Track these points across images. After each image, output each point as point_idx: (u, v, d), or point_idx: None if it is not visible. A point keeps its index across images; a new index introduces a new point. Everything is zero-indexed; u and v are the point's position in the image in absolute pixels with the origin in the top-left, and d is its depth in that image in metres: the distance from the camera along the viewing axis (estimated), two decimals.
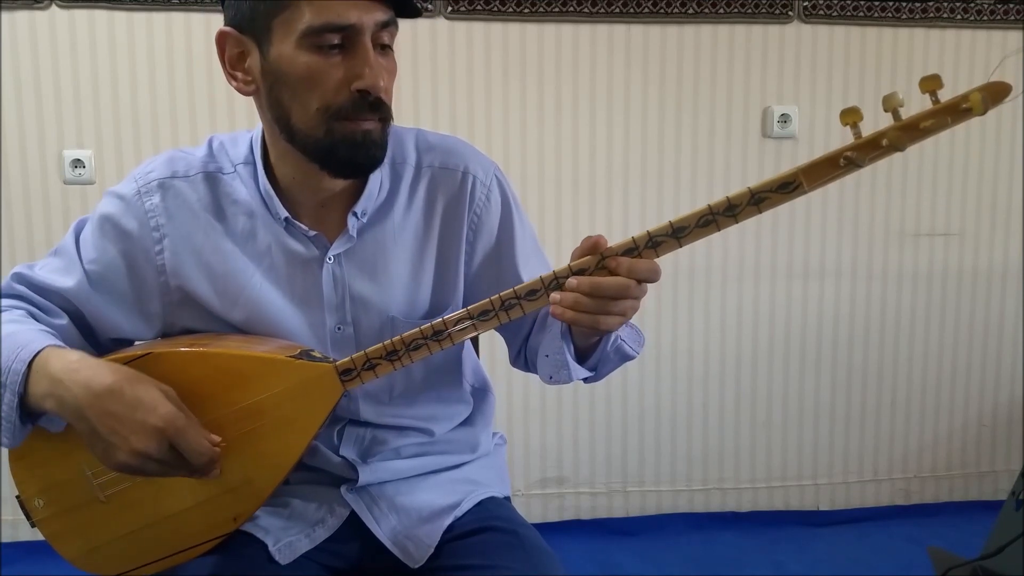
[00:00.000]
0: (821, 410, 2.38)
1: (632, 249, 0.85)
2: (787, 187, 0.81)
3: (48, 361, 0.87)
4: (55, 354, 0.88)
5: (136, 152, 2.06)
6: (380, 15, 0.90)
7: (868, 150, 0.79)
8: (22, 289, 0.99)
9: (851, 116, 0.79)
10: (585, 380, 1.02)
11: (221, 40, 0.94)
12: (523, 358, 1.11)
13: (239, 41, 0.93)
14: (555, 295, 0.86)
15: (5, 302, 0.98)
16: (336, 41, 0.88)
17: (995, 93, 0.75)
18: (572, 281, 0.85)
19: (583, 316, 0.85)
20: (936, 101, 0.77)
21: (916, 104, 0.78)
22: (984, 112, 0.75)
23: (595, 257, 0.85)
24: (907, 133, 0.78)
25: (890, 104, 0.77)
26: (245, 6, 0.91)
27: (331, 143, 0.91)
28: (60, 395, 0.86)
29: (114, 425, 0.84)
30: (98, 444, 0.86)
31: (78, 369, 0.86)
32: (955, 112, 0.76)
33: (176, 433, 0.85)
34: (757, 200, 0.82)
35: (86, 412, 0.85)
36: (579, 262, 0.86)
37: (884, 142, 0.78)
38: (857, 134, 0.79)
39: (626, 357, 1.01)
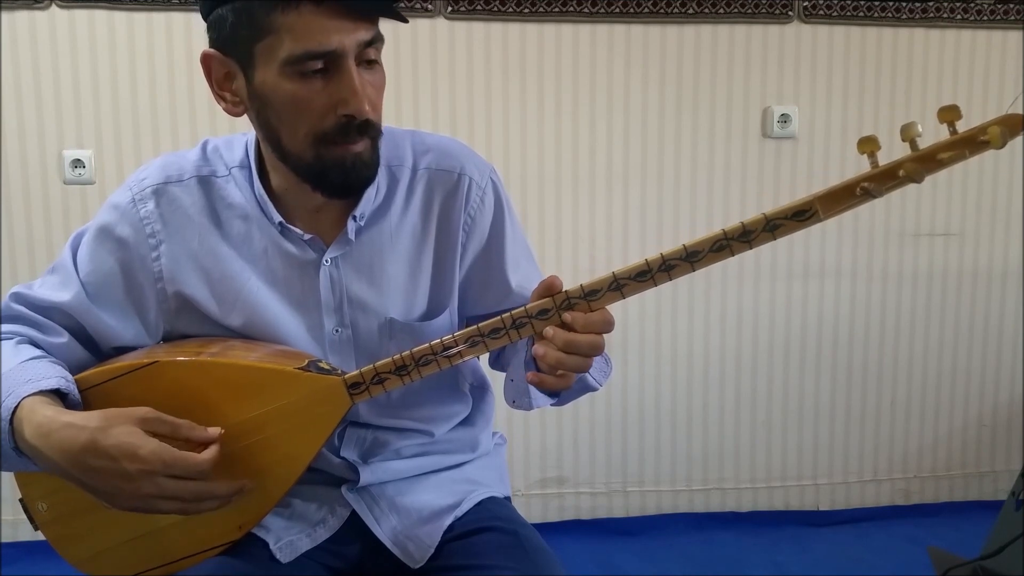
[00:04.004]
0: (821, 410, 2.38)
1: (645, 272, 0.84)
2: (802, 215, 0.82)
3: (22, 424, 0.85)
4: (27, 416, 0.85)
5: (136, 152, 2.06)
6: (363, 34, 0.88)
7: (884, 180, 0.79)
8: (20, 309, 0.99)
9: (868, 145, 0.79)
10: (552, 404, 1.02)
11: (207, 61, 0.93)
12: (500, 363, 1.12)
13: (224, 62, 0.92)
14: (538, 348, 0.86)
15: (5, 327, 0.98)
16: (319, 66, 0.87)
17: (1013, 126, 0.75)
18: (548, 331, 0.85)
19: (560, 380, 0.87)
20: (954, 132, 0.77)
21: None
22: (1002, 145, 0.75)
23: (608, 277, 0.85)
24: (924, 164, 0.77)
25: (908, 134, 0.77)
26: (227, 31, 0.90)
27: (321, 167, 0.91)
28: (41, 460, 0.86)
29: (103, 479, 0.84)
30: (97, 496, 0.86)
31: (48, 433, 0.84)
32: (973, 144, 0.76)
33: (165, 466, 0.83)
34: (772, 227, 0.82)
35: (71, 472, 0.84)
36: (592, 283, 0.86)
37: (901, 173, 0.78)
38: (874, 163, 0.79)
39: (589, 388, 1.01)
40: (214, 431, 0.88)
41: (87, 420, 0.85)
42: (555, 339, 0.85)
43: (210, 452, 0.86)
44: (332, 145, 0.90)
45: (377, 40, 0.91)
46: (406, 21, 0.94)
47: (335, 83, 0.88)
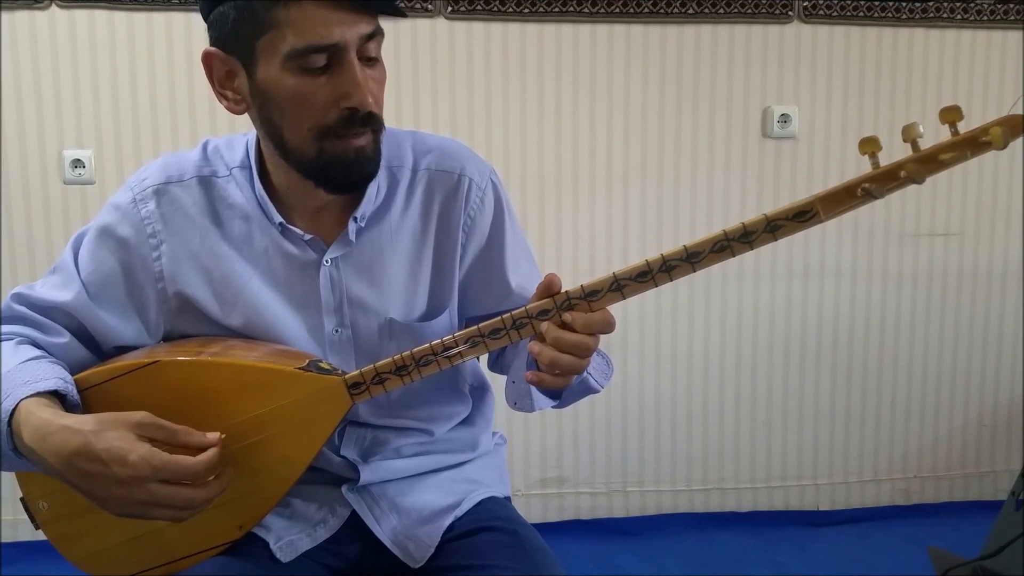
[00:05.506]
0: (821, 410, 2.38)
1: (646, 272, 0.85)
2: (803, 216, 0.82)
3: (20, 428, 0.85)
4: (25, 419, 0.85)
5: (136, 152, 2.06)
6: (364, 28, 0.89)
7: (886, 181, 0.79)
8: (22, 310, 0.99)
9: (869, 146, 0.79)
10: (554, 406, 1.02)
11: (208, 60, 0.93)
12: (499, 365, 1.12)
13: (226, 60, 0.92)
14: (533, 346, 0.86)
15: (5, 328, 0.98)
16: (322, 62, 0.88)
17: (1014, 127, 0.75)
18: (543, 326, 0.86)
19: (558, 379, 0.87)
20: (955, 132, 0.77)
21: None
22: (1004, 146, 0.75)
23: (609, 277, 0.85)
24: (925, 165, 0.77)
25: (909, 135, 0.77)
26: (228, 28, 0.90)
27: (324, 163, 0.92)
28: (38, 462, 0.86)
29: (96, 483, 0.83)
30: (93, 500, 0.86)
31: (44, 437, 0.84)
32: (974, 145, 0.76)
33: (154, 471, 0.82)
34: (773, 228, 0.82)
35: (66, 476, 0.84)
36: (592, 283, 0.86)
37: (902, 174, 0.78)
38: (875, 164, 0.79)
39: (591, 390, 1.00)
40: (213, 436, 0.87)
41: (82, 423, 0.84)
42: (547, 336, 0.85)
43: (206, 456, 0.85)
44: (335, 139, 0.91)
45: (377, 34, 0.91)
46: (405, 15, 0.94)
47: (337, 77, 0.88)
